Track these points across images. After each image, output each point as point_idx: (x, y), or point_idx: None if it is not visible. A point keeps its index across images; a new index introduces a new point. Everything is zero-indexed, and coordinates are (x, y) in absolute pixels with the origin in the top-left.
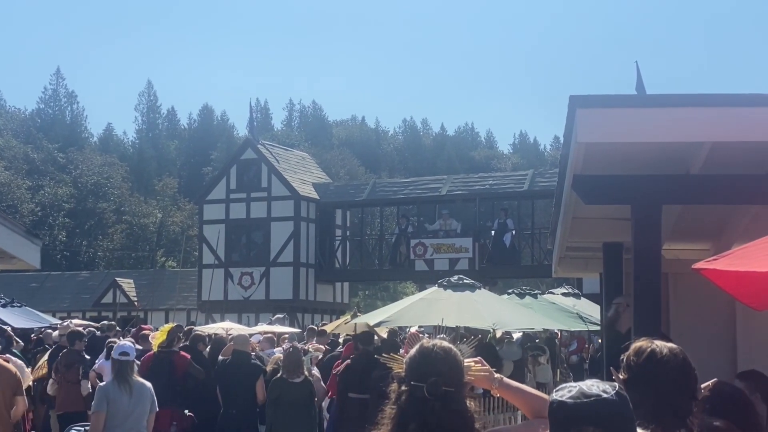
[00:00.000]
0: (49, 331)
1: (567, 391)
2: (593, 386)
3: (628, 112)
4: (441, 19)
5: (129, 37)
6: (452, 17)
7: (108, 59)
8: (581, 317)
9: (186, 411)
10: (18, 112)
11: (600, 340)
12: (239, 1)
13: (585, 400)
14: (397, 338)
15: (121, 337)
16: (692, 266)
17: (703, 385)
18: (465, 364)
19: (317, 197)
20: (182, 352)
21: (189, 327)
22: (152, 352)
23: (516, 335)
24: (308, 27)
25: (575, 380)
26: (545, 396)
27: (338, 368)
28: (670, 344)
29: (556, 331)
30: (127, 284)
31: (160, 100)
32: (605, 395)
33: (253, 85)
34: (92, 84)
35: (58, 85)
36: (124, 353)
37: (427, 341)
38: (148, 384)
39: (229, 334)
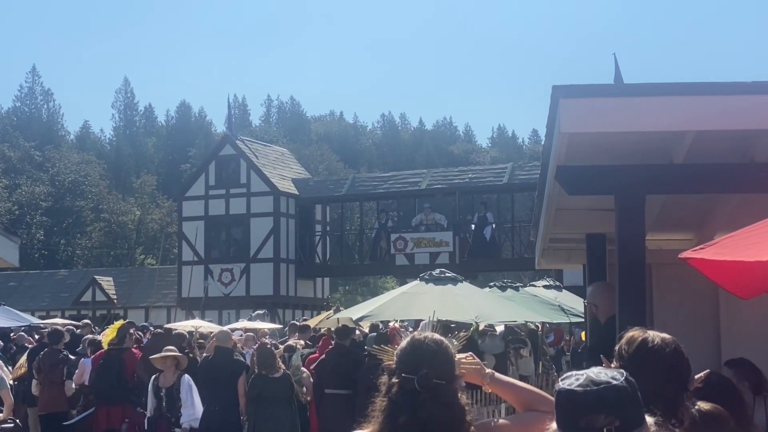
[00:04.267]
0: (23, 333)
1: (575, 379)
2: (601, 373)
3: (611, 102)
4: (418, 14)
5: (105, 34)
6: (429, 12)
7: (84, 56)
8: (563, 309)
9: (138, 408)
10: None
11: (582, 333)
12: None
13: (594, 387)
14: (378, 332)
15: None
16: (679, 255)
17: (696, 376)
18: (456, 357)
19: (296, 193)
20: (133, 349)
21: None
22: (103, 350)
23: (499, 328)
24: (285, 23)
25: (557, 372)
26: (536, 390)
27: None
28: (662, 334)
29: (537, 323)
30: (107, 282)
31: (137, 97)
32: (615, 382)
33: (231, 81)
34: (68, 81)
35: (34, 83)
36: None
37: (419, 333)
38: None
39: (200, 332)
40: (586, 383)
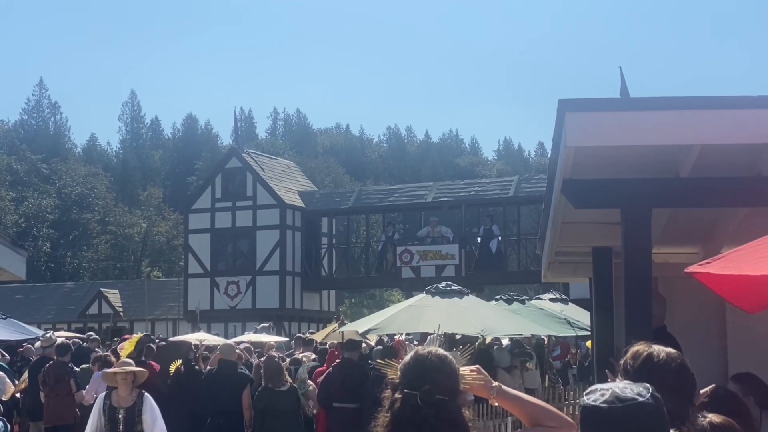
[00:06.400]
0: (30, 346)
1: (600, 395)
2: (627, 389)
3: (617, 116)
4: (424, 26)
5: (112, 47)
6: (435, 24)
7: (91, 69)
8: (569, 323)
9: None
10: (1, 123)
11: (588, 346)
12: (222, 10)
13: (620, 404)
14: (384, 345)
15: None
16: (685, 270)
17: (702, 391)
18: (461, 372)
19: (303, 205)
20: (151, 362)
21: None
22: None
23: (505, 341)
24: (291, 35)
25: (563, 386)
26: (544, 404)
27: (320, 377)
28: (668, 348)
29: (543, 336)
30: (113, 295)
31: (144, 109)
32: (641, 399)
33: (237, 93)
34: (75, 94)
35: (41, 95)
36: None
37: (422, 348)
38: None
39: (205, 345)
40: (612, 399)
